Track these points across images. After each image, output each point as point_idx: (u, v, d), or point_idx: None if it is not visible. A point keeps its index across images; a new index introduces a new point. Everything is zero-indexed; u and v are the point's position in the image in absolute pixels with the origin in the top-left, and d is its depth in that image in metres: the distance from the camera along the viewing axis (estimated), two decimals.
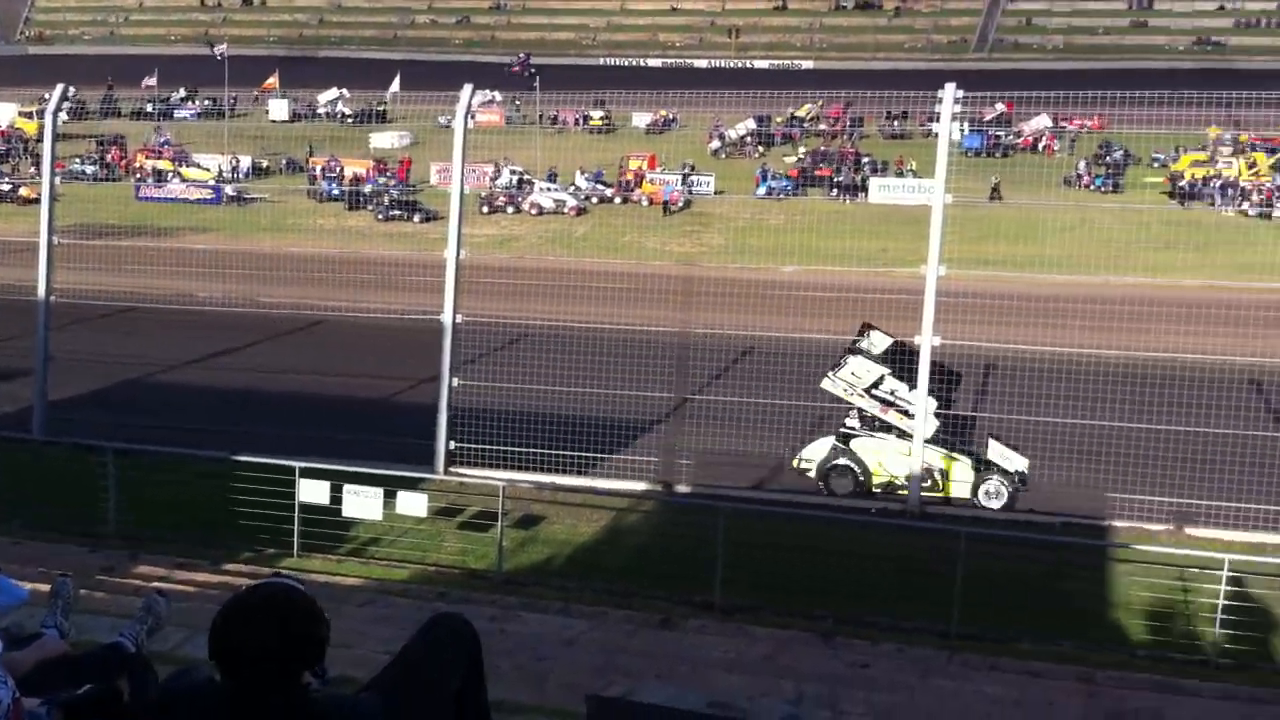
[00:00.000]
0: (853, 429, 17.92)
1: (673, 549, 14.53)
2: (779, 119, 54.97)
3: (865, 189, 44.16)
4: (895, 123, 50.83)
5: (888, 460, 17.69)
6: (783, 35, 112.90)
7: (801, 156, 49.93)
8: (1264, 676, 11.81)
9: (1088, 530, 16.04)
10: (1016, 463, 17.53)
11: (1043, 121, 52.05)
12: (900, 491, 17.46)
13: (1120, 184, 44.78)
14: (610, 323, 20.79)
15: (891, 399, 17.51)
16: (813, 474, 18.00)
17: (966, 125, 45.59)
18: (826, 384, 17.76)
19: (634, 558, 14.83)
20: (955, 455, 17.64)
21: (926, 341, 16.59)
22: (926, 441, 17.19)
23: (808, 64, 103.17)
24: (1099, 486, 16.76)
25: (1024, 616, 13.28)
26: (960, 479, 17.49)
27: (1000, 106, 51.09)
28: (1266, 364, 20.75)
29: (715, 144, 53.46)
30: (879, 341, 18.39)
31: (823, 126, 55.11)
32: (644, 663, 9.94)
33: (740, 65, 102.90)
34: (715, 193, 44.67)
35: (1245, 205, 40.87)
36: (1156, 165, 48.05)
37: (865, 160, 48.93)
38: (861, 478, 17.72)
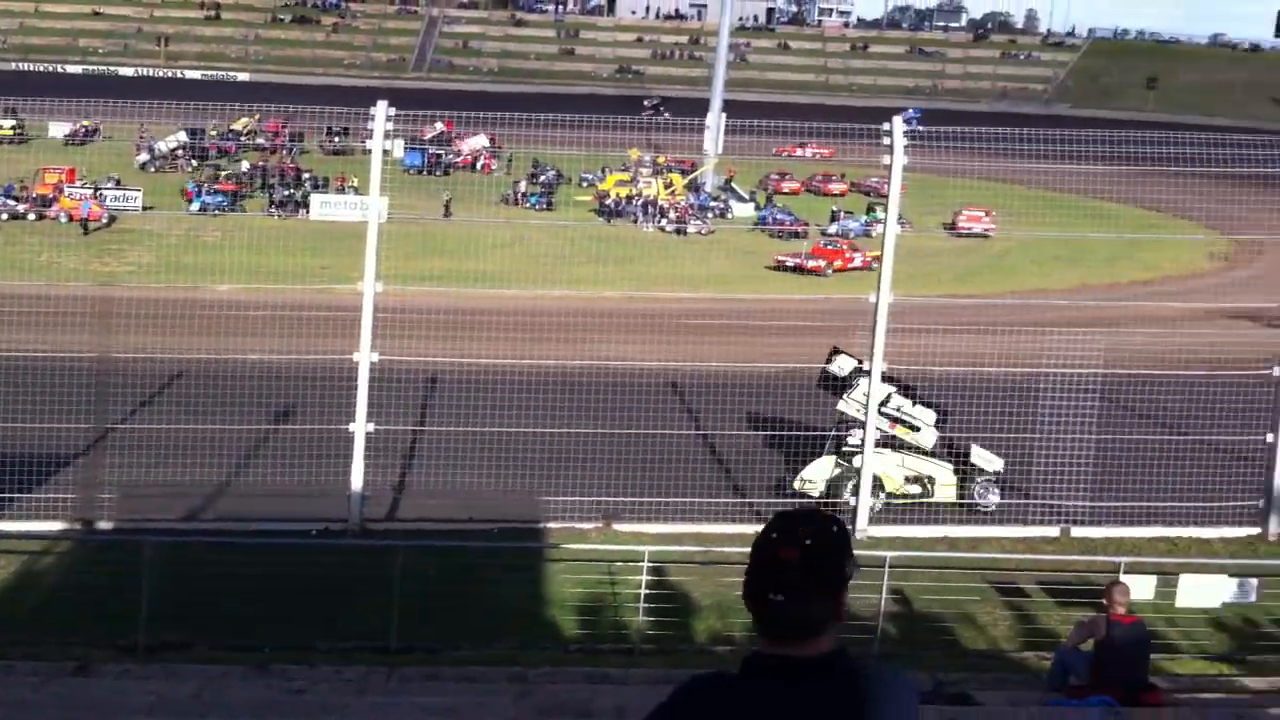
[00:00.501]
0: (856, 446, 18.10)
1: (92, 590, 13.41)
2: (214, 132, 52.84)
3: (306, 205, 43.45)
4: (336, 139, 50.43)
5: (889, 471, 18.26)
6: (216, 45, 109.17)
7: (237, 172, 48.38)
8: (683, 658, 12.67)
9: (524, 534, 16.57)
10: (996, 464, 18.50)
11: (480, 141, 53.65)
12: (898, 500, 18.14)
13: (553, 202, 46.92)
14: (18, 350, 19.00)
15: (898, 415, 18.28)
16: (816, 494, 18.20)
17: (406, 143, 46.23)
18: (842, 405, 18.32)
19: (46, 603, 13.56)
20: (940, 463, 18.54)
21: (365, 358, 16.49)
22: (923, 452, 18.33)
23: (243, 76, 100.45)
24: (535, 491, 17.38)
25: (463, 624, 13.49)
26: (946, 484, 18.40)
27: (440, 125, 52.15)
28: (683, 367, 22.31)
29: (144, 157, 50.50)
30: (845, 364, 18.70)
31: (261, 141, 53.67)
32: (50, 716, 9.06)
33: (170, 75, 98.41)
34: (144, 208, 42.19)
35: (663, 222, 44.19)
36: (585, 185, 50.73)
37: (306, 176, 48.16)
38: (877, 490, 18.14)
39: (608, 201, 46.44)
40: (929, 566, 15.48)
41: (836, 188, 53.30)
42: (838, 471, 18.38)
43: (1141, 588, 12.88)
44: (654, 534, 16.36)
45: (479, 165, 52.49)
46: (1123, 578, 12.52)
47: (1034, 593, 15.19)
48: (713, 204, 48.76)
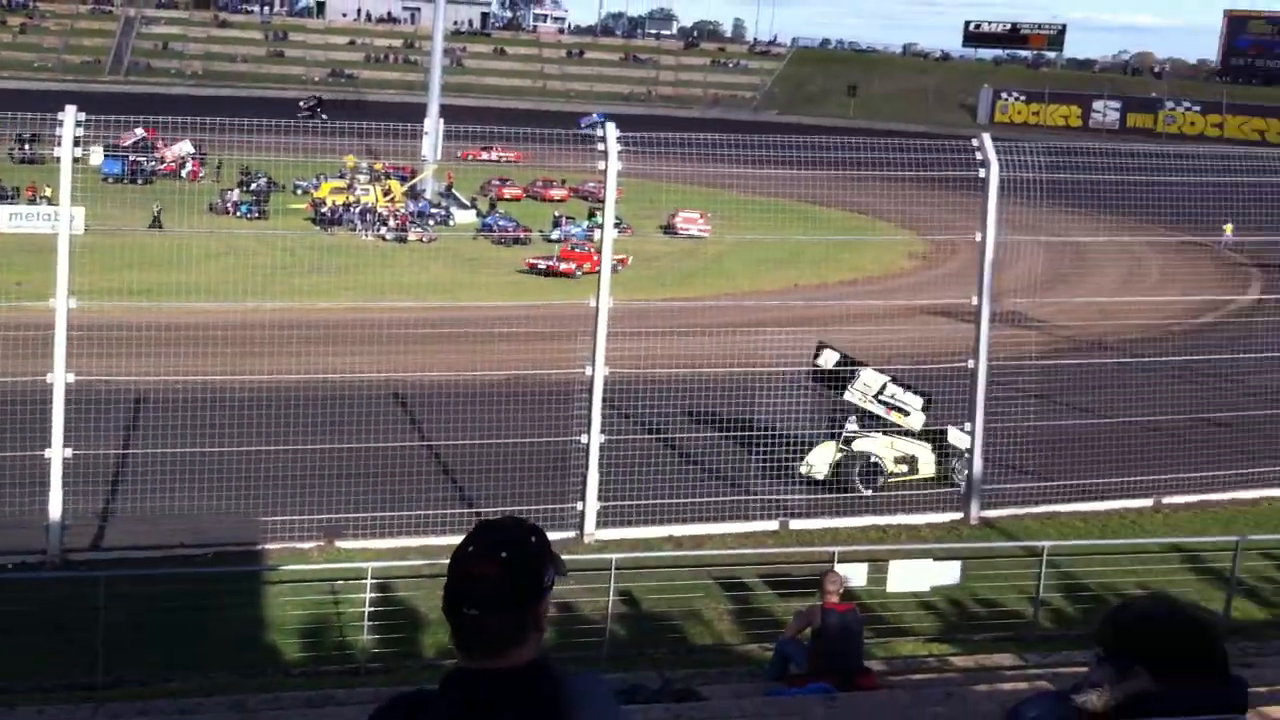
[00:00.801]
0: (855, 431, 19.74)
1: None
2: None
3: None
4: (26, 146, 47.36)
5: (883, 453, 19.71)
6: None
7: None
8: (409, 674, 12.40)
9: (241, 557, 15.93)
10: (965, 441, 19.50)
11: (185, 147, 51.41)
12: (893, 479, 19.65)
13: (266, 211, 45.42)
14: None
15: (894, 402, 19.67)
16: (820, 477, 19.50)
17: (105, 150, 43.81)
18: (848, 395, 19.67)
19: None
20: (921, 444, 19.98)
21: (59, 379, 15.54)
22: (911, 434, 19.73)
23: None
24: (252, 511, 16.72)
25: (178, 654, 12.88)
26: (927, 462, 19.96)
27: (140, 131, 49.63)
28: (406, 378, 21.97)
29: None
30: (830, 357, 19.91)
31: None
32: None
33: None
34: None
35: (383, 230, 43.42)
36: (300, 192, 49.35)
37: None
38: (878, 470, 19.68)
39: (324, 209, 45.26)
40: (655, 566, 15.73)
41: (557, 193, 53.62)
42: (839, 456, 19.65)
43: (855, 575, 13.44)
44: (378, 549, 16.03)
45: (185, 172, 50.32)
46: (837, 567, 13.01)
47: (756, 586, 15.62)
48: (433, 211, 48.25)
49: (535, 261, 38.64)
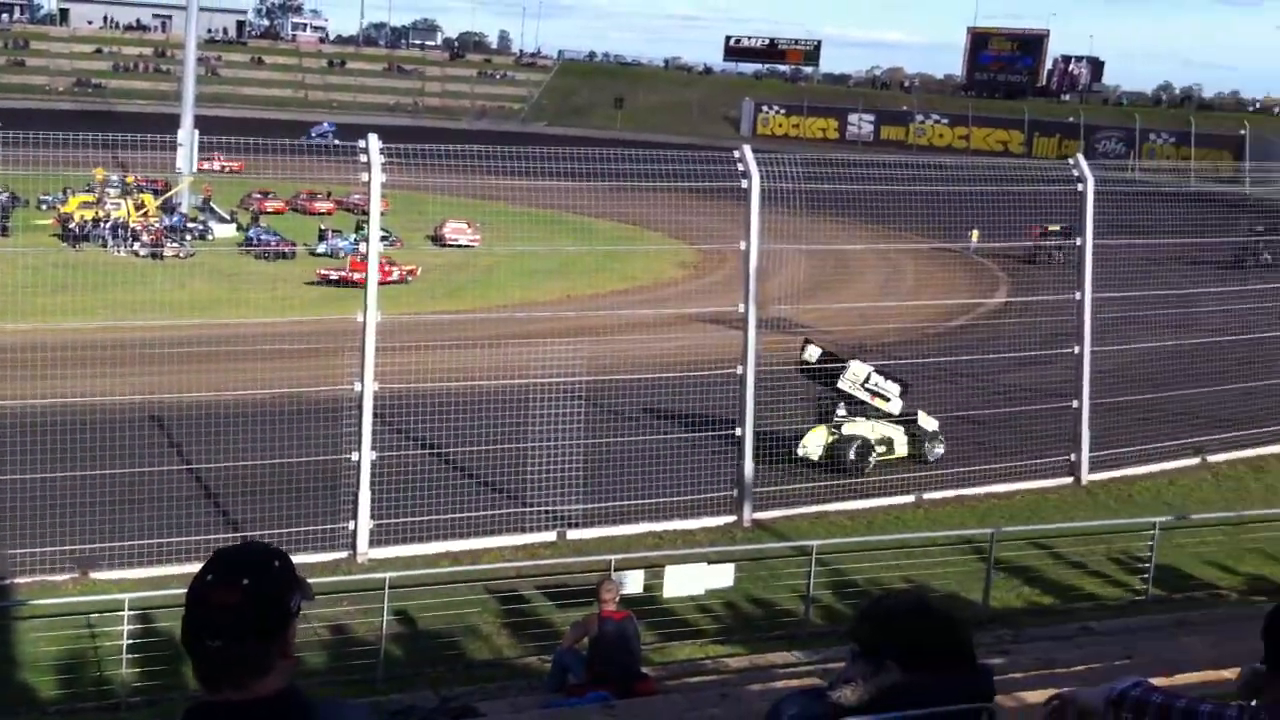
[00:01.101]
0: (843, 416, 21.44)
1: None
2: None
3: None
4: None
5: (867, 435, 21.39)
6: None
7: None
8: (172, 707, 11.87)
9: None
10: (933, 424, 21.92)
11: None
12: (877, 459, 21.31)
13: (9, 227, 43.07)
14: None
15: (877, 389, 21.33)
16: (815, 458, 20.99)
17: None
18: (841, 383, 21.29)
19: None
20: (896, 426, 21.68)
21: None
22: (890, 419, 21.52)
23: None
24: None
25: None
26: (901, 442, 21.73)
27: None
28: (164, 399, 21.07)
29: None
30: (814, 352, 21.60)
31: None
32: None
33: None
34: None
35: (136, 246, 41.63)
36: (45, 208, 46.99)
37: None
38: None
39: (72, 225, 43.15)
40: (432, 583, 15.47)
41: (323, 206, 52.30)
42: (832, 439, 21.20)
43: (631, 582, 13.51)
44: (136, 579, 15.30)
45: None
46: (614, 574, 13.05)
47: (534, 598, 15.54)
48: (191, 225, 46.52)
49: (327, 273, 37.50)
